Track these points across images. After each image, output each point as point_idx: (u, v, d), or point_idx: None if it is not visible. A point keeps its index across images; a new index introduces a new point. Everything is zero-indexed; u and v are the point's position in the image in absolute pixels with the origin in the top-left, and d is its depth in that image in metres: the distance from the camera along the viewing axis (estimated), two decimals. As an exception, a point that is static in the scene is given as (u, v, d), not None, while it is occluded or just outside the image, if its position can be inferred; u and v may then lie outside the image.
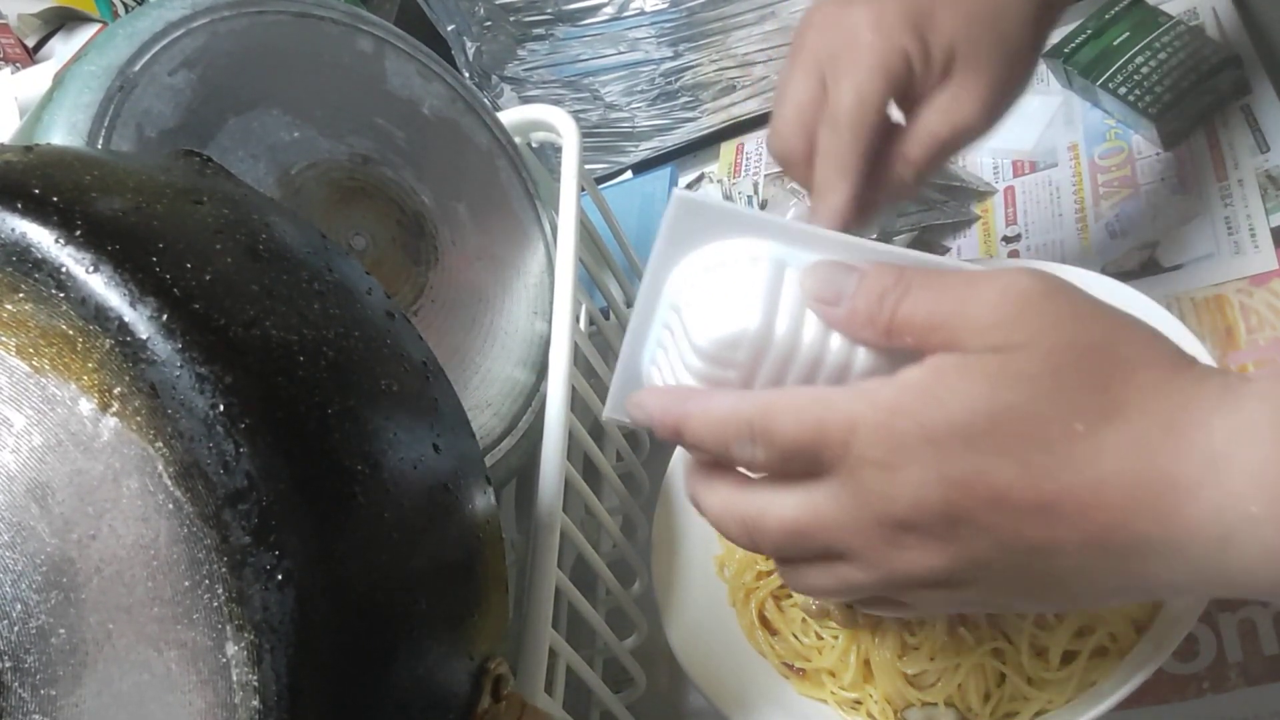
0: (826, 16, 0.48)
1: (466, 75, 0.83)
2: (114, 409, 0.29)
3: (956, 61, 0.47)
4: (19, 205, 0.30)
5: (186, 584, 0.29)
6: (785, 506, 0.35)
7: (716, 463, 0.38)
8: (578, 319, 0.57)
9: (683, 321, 0.38)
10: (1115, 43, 0.70)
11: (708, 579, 0.58)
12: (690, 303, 0.38)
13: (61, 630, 0.29)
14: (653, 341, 0.40)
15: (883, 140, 0.47)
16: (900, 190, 0.49)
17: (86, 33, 0.96)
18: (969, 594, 0.35)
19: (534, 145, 0.66)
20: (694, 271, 0.38)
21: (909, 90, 0.47)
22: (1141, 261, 0.64)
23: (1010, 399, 0.32)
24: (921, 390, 0.33)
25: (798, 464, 0.35)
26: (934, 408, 0.32)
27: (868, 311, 0.35)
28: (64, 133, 0.44)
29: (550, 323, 0.57)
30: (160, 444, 0.29)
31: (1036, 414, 0.32)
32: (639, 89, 0.89)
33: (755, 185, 0.84)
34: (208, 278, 0.30)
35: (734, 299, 0.37)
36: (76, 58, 0.47)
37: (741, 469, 0.38)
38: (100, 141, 0.44)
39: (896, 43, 0.46)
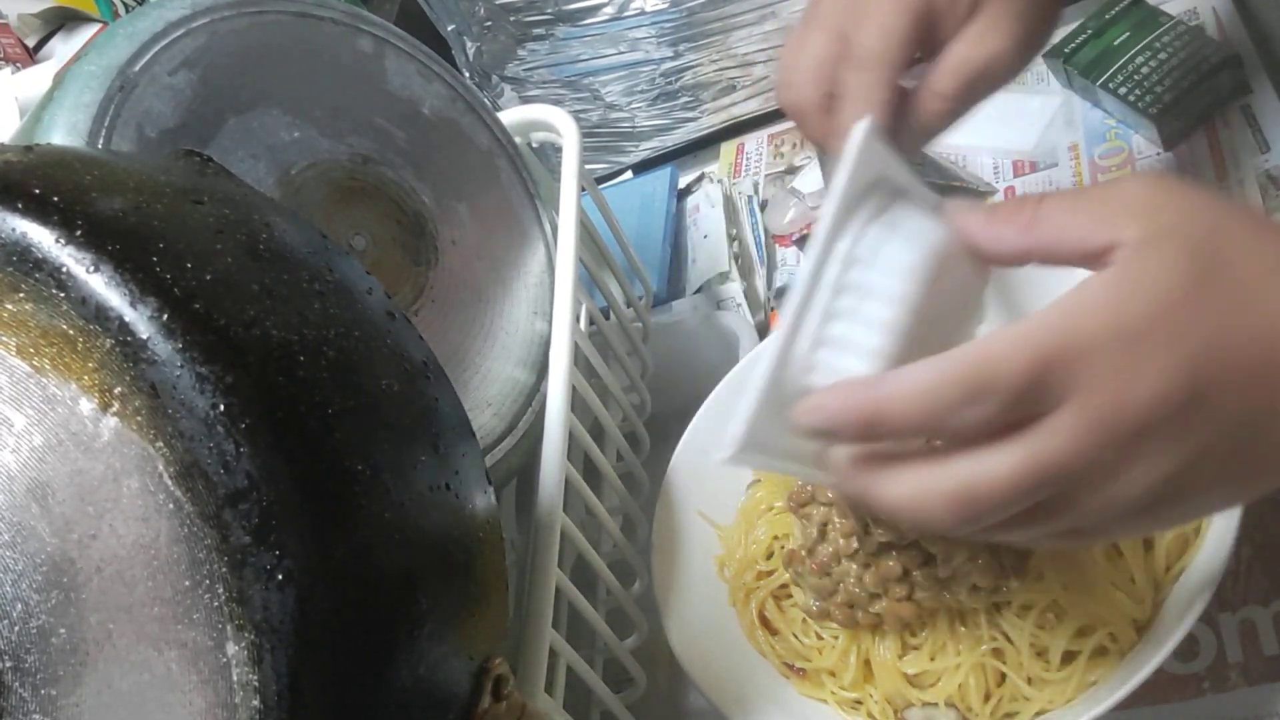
0: None
1: (467, 75, 0.83)
2: (114, 409, 0.29)
3: (983, 1, 0.46)
4: (19, 205, 0.30)
5: (187, 584, 0.29)
6: (1006, 461, 0.32)
7: (884, 454, 0.35)
8: (578, 319, 0.57)
9: (872, 280, 0.36)
10: (1115, 43, 0.70)
11: (708, 579, 0.58)
12: (877, 254, 0.36)
13: (62, 630, 0.29)
14: (804, 346, 0.36)
15: (902, 95, 0.46)
16: (930, 128, 0.48)
17: (86, 33, 0.96)
18: (1179, 509, 0.34)
19: (534, 145, 0.66)
20: (863, 236, 0.37)
21: (935, 32, 0.46)
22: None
23: (1206, 264, 0.32)
24: (1125, 281, 0.33)
25: (1023, 407, 0.32)
26: (1148, 290, 0.32)
27: (1010, 210, 0.36)
28: (64, 133, 0.44)
29: (550, 323, 0.57)
30: (160, 444, 0.29)
31: (1235, 269, 0.32)
32: (639, 89, 0.89)
33: (755, 185, 0.84)
34: (208, 278, 0.30)
35: (912, 237, 0.36)
36: (77, 58, 0.47)
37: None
38: (100, 141, 0.44)
39: None
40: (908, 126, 0.47)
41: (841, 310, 0.36)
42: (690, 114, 0.89)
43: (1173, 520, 0.37)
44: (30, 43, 0.98)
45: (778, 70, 0.49)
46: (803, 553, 0.52)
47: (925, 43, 0.46)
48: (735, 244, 0.79)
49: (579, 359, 0.57)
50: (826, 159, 0.56)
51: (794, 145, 0.86)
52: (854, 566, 0.50)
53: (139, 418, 0.29)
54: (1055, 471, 0.32)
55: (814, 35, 0.47)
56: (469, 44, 0.91)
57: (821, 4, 0.48)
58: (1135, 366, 0.31)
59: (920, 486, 0.34)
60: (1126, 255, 0.33)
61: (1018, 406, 0.32)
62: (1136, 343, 0.32)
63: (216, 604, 0.28)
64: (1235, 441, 0.33)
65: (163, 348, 0.29)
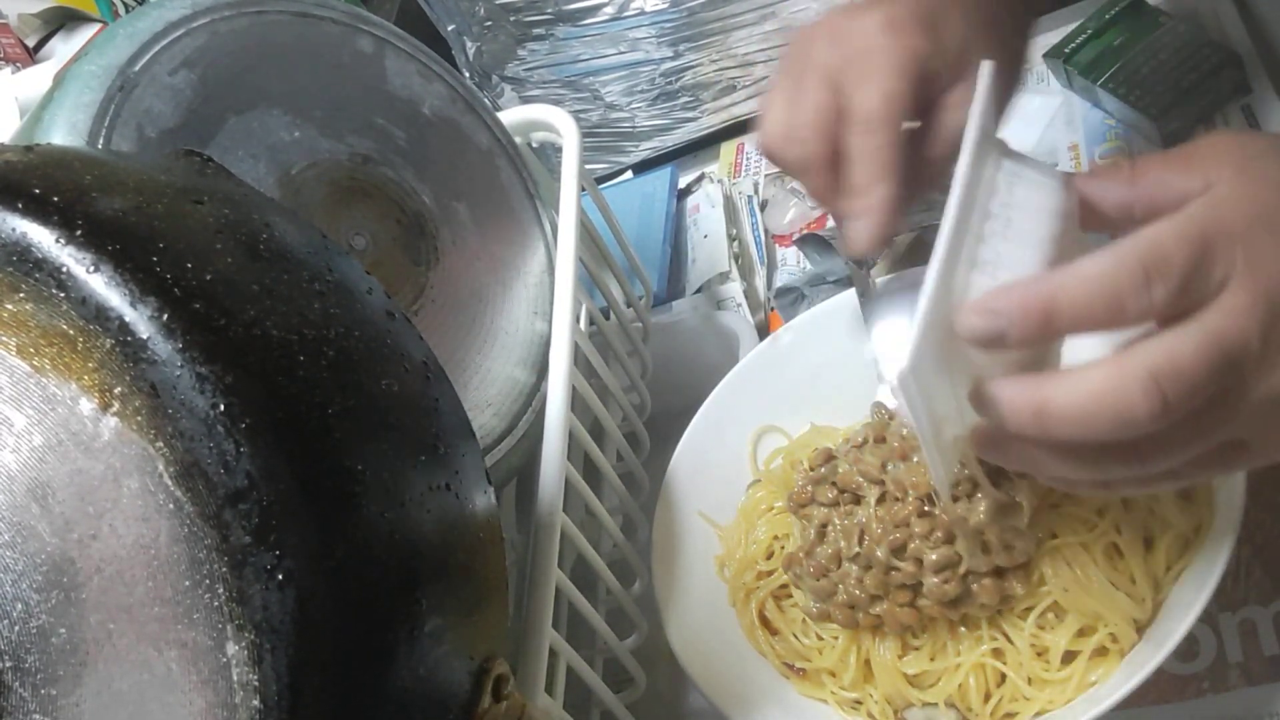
0: (833, 27, 0.48)
1: (467, 75, 0.83)
2: (114, 409, 0.29)
3: (968, 60, 0.47)
4: (19, 205, 0.30)
5: (187, 584, 0.29)
6: (1193, 338, 0.33)
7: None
8: (578, 319, 0.57)
9: (1012, 215, 0.37)
10: (1115, 43, 0.70)
11: (708, 579, 0.58)
12: (1013, 192, 0.37)
13: (62, 630, 0.29)
14: (965, 264, 0.36)
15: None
16: (928, 189, 0.49)
17: (87, 33, 0.96)
18: None
19: (534, 145, 0.66)
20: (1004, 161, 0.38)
21: (927, 89, 0.47)
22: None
23: None
24: (1246, 182, 0.35)
25: (1192, 289, 0.33)
26: (1271, 184, 0.35)
27: (1108, 169, 0.39)
28: (64, 133, 0.44)
29: (550, 323, 0.57)
30: (161, 444, 0.29)
31: None
32: (639, 89, 0.89)
33: (755, 185, 0.84)
34: (208, 277, 0.30)
35: (1037, 183, 0.37)
36: (77, 57, 0.47)
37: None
38: (100, 141, 0.44)
39: (912, 43, 0.46)
40: (914, 182, 0.48)
41: (989, 234, 0.36)
42: (690, 114, 0.89)
43: None
44: (30, 43, 0.98)
45: (765, 122, 0.50)
46: (801, 555, 0.52)
47: (920, 102, 0.47)
48: (735, 244, 0.79)
49: (579, 359, 0.57)
50: (855, 267, 0.57)
51: (794, 145, 0.86)
52: (854, 568, 0.50)
53: (139, 418, 0.29)
54: (1237, 347, 0.33)
55: (810, 89, 0.48)
56: (469, 44, 0.91)
57: (808, 56, 0.48)
58: None
59: (1112, 376, 0.33)
60: (1230, 174, 0.36)
61: (1188, 288, 0.33)
62: (1276, 226, 0.34)
63: (216, 604, 0.28)
64: None
65: (163, 348, 0.29)
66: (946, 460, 0.40)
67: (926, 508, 0.48)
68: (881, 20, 0.47)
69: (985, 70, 0.38)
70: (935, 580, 0.47)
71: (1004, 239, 0.36)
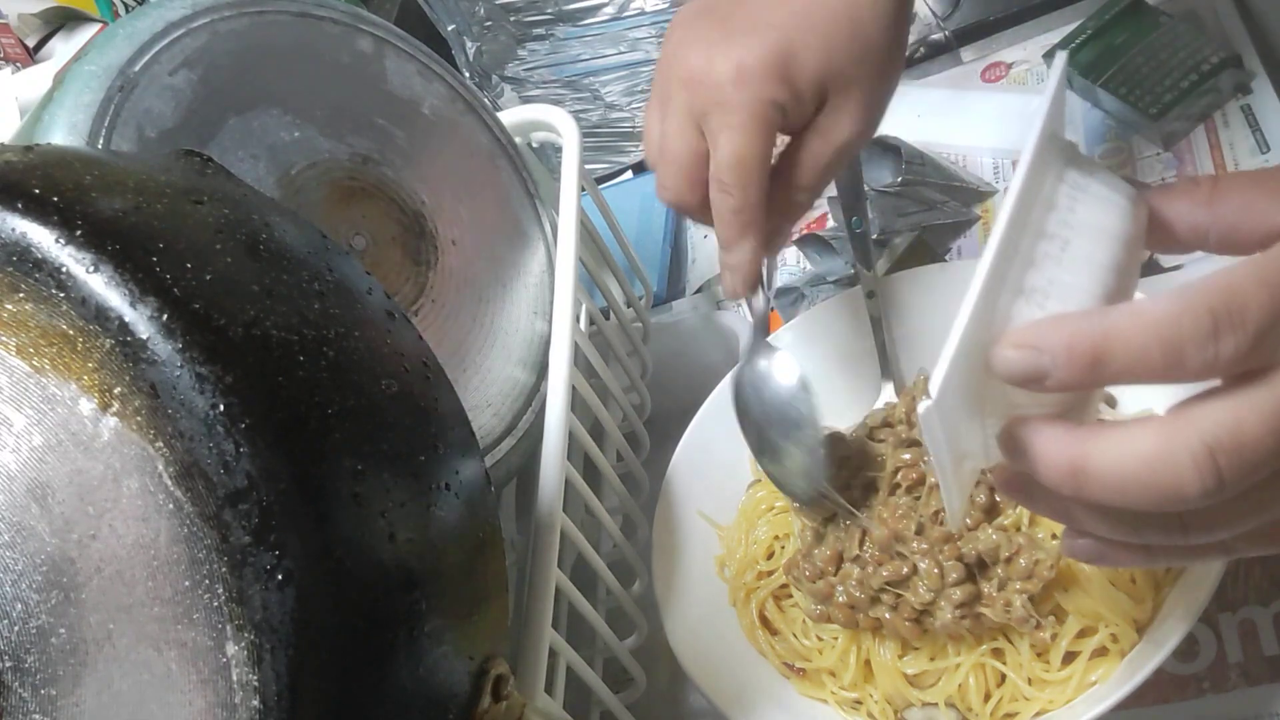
0: (691, 70, 0.49)
1: (467, 75, 0.83)
2: (114, 409, 0.29)
3: (828, 92, 0.48)
4: (19, 205, 0.30)
5: (186, 584, 0.29)
6: (1263, 407, 0.28)
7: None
8: (578, 319, 0.57)
9: (1070, 236, 0.31)
10: (1115, 43, 0.70)
11: (708, 579, 0.58)
12: (1074, 209, 0.32)
13: (62, 630, 0.29)
14: (1010, 291, 0.31)
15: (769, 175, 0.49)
16: (797, 213, 0.51)
17: (87, 33, 0.96)
18: None
19: (534, 145, 0.66)
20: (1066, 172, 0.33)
21: (786, 129, 0.49)
22: (1142, 261, 0.64)
23: None
24: None
25: (1268, 345, 0.28)
26: None
27: (1186, 185, 0.33)
28: (64, 133, 0.44)
29: (550, 323, 0.57)
30: (160, 444, 0.29)
31: None
32: (639, 89, 0.89)
33: (755, 185, 0.84)
34: (208, 278, 0.30)
35: (1103, 200, 0.32)
36: (77, 57, 0.47)
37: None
38: (100, 141, 0.44)
39: (764, 94, 0.47)
40: (780, 210, 0.50)
41: (1040, 256, 0.31)
42: (690, 114, 0.89)
43: None
44: (30, 43, 0.98)
45: (645, 150, 0.53)
46: (799, 558, 0.52)
47: (786, 131, 0.49)
48: (735, 244, 0.79)
49: (579, 359, 0.57)
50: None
51: (794, 145, 0.86)
52: (856, 570, 0.50)
53: (139, 418, 0.29)
54: None
55: (673, 130, 0.49)
56: (469, 44, 0.91)
57: (671, 88, 0.50)
58: None
59: (1162, 444, 0.29)
60: None
61: (1262, 345, 0.28)
62: None
63: (216, 604, 0.28)
64: None
65: (163, 348, 0.29)
66: (963, 491, 0.36)
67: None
68: (731, 72, 0.47)
69: (1058, 62, 0.33)
70: (950, 617, 0.47)
71: (1059, 264, 0.31)
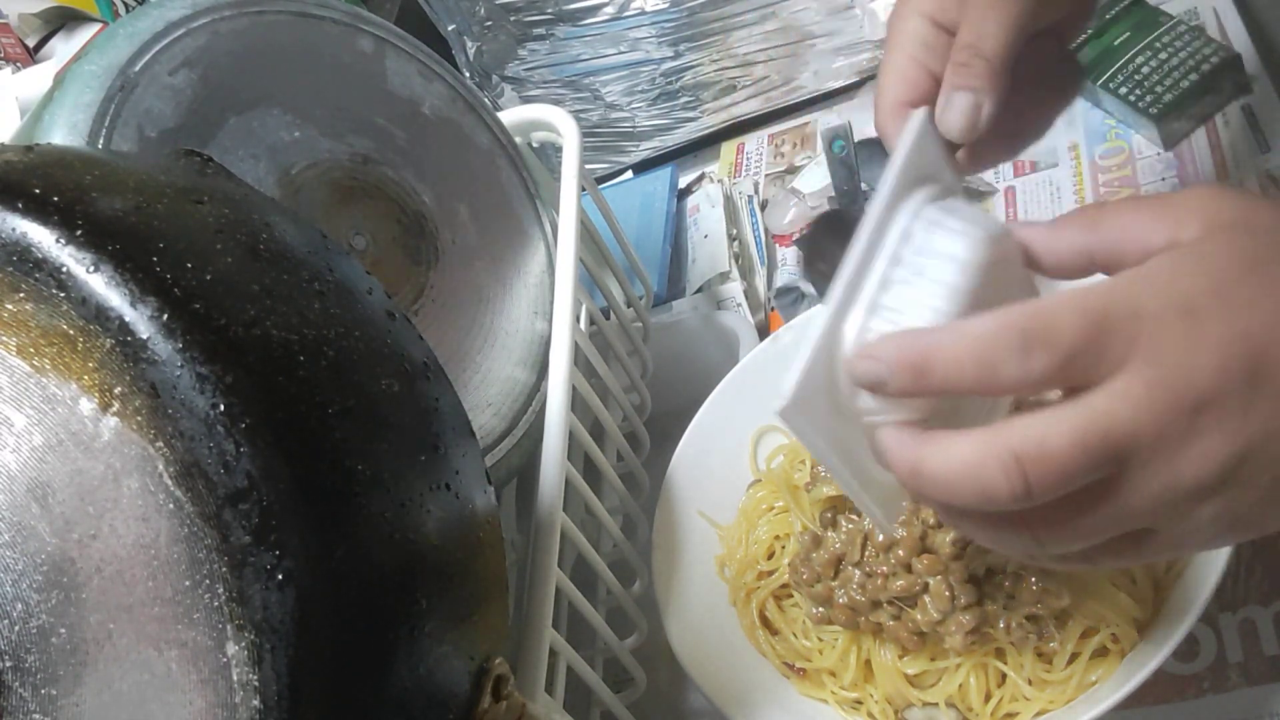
0: None
1: (467, 75, 0.83)
2: (114, 409, 0.29)
3: None
4: (19, 205, 0.30)
5: (187, 583, 0.29)
6: (1069, 420, 0.31)
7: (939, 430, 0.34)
8: (578, 319, 0.57)
9: (924, 263, 0.35)
10: (1115, 43, 0.70)
11: (708, 579, 0.58)
12: (930, 239, 0.36)
13: (62, 630, 0.29)
14: (862, 308, 0.35)
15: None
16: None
17: (87, 32, 0.96)
18: (1245, 496, 0.32)
19: (534, 145, 0.66)
20: (925, 212, 0.37)
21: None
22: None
23: (1266, 252, 0.32)
24: (1185, 259, 0.32)
25: (1079, 366, 0.31)
26: (1208, 267, 0.32)
27: (1070, 215, 0.36)
28: (64, 133, 0.44)
29: (550, 322, 0.57)
30: (161, 444, 0.29)
31: None
32: (639, 89, 0.89)
33: (755, 185, 0.84)
34: (208, 277, 0.30)
35: (963, 232, 0.35)
36: (77, 57, 0.47)
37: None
38: (101, 141, 0.44)
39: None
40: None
41: (896, 280, 0.35)
42: (690, 114, 0.89)
43: (1238, 523, 0.33)
44: (30, 43, 0.98)
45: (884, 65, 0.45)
46: (797, 562, 0.52)
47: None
48: (735, 244, 0.79)
49: (579, 359, 0.57)
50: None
51: (794, 145, 0.86)
52: (857, 572, 0.50)
53: (139, 418, 0.29)
54: (1117, 436, 0.31)
55: (913, 22, 0.43)
56: (469, 44, 0.91)
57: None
58: (1194, 337, 0.31)
59: (977, 451, 0.32)
60: (1192, 238, 0.33)
61: (1073, 365, 0.31)
62: (1194, 314, 0.31)
63: (216, 604, 0.28)
64: None
65: (163, 348, 0.29)
66: (885, 501, 0.38)
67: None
68: None
69: (916, 117, 0.38)
70: (960, 641, 0.47)
71: (913, 286, 0.35)
